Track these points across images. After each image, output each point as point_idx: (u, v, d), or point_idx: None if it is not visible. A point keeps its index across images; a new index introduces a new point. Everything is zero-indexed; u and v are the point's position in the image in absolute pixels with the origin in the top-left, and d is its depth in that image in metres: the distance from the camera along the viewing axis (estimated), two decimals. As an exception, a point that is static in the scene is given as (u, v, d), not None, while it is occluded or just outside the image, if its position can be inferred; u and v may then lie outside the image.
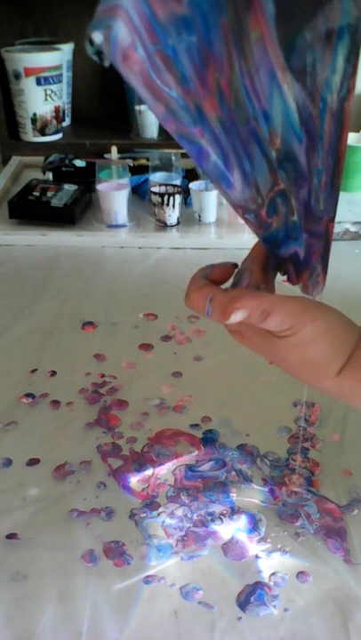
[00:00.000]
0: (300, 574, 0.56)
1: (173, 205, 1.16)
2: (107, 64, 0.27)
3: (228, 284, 0.45)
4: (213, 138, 0.34)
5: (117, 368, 0.82)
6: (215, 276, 0.44)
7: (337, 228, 1.12)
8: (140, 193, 1.28)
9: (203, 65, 0.31)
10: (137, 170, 1.31)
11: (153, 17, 0.28)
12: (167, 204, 1.16)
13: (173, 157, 1.24)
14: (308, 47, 0.33)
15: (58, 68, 1.49)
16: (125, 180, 1.18)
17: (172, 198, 1.15)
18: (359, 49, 0.33)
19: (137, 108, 1.51)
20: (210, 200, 1.17)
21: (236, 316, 0.40)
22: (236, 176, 0.37)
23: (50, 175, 1.32)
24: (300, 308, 0.41)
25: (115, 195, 1.16)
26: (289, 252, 0.43)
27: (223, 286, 0.44)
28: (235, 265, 0.45)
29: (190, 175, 1.28)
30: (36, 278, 1.05)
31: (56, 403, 0.76)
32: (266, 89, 0.34)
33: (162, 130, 1.53)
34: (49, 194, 1.20)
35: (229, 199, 0.40)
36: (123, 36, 0.27)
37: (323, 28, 0.32)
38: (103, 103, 1.66)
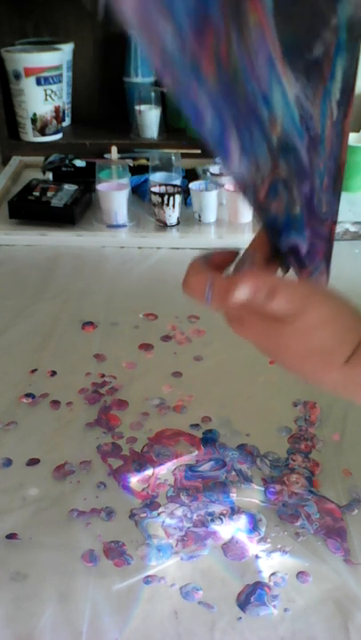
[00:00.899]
0: (300, 574, 0.56)
1: (173, 205, 1.16)
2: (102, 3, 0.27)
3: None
4: (210, 101, 0.32)
5: (117, 368, 0.82)
6: (216, 263, 0.42)
7: (337, 228, 1.12)
8: (140, 193, 1.28)
9: (199, 26, 0.30)
10: (137, 170, 1.31)
11: None
12: (167, 204, 1.15)
13: (173, 157, 1.23)
14: (306, 50, 0.33)
15: (58, 68, 1.49)
16: (125, 180, 1.18)
17: (172, 198, 1.15)
18: (358, 66, 0.33)
19: (137, 108, 1.51)
20: (210, 200, 1.17)
21: (240, 293, 0.38)
22: (233, 148, 0.35)
23: (50, 175, 1.32)
24: (306, 291, 0.39)
25: (115, 195, 1.16)
26: (290, 242, 0.42)
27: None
28: (236, 252, 0.43)
29: (190, 175, 1.28)
30: (36, 278, 1.05)
31: (56, 403, 0.76)
32: (265, 75, 0.33)
33: (162, 130, 1.53)
34: (49, 194, 1.20)
35: (228, 172, 0.38)
36: None
37: (321, 43, 0.32)
38: (103, 103, 1.66)
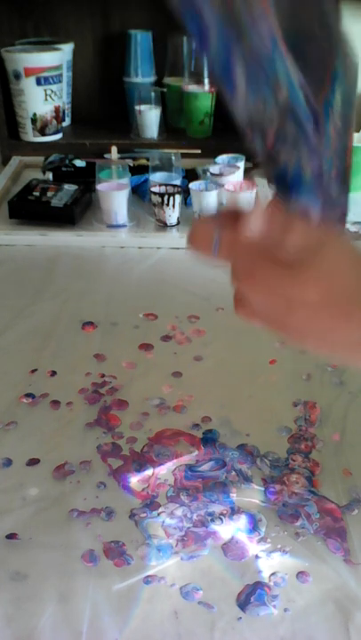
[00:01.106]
0: (300, 574, 0.56)
1: (173, 205, 1.16)
2: None
3: None
4: (215, 21, 0.31)
5: (117, 368, 0.82)
6: (222, 221, 0.39)
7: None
8: (140, 193, 1.28)
9: None
10: (137, 170, 1.31)
11: None
12: (167, 204, 1.15)
13: (173, 157, 1.23)
14: (307, 47, 0.33)
15: (58, 68, 1.49)
16: (125, 180, 1.18)
17: (172, 198, 1.15)
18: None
19: (137, 108, 1.51)
20: (210, 200, 1.17)
21: (256, 221, 0.35)
22: (239, 78, 0.33)
23: (50, 175, 1.32)
24: (323, 231, 0.37)
25: (115, 195, 1.16)
26: (301, 203, 0.39)
27: None
28: (242, 211, 0.40)
29: (190, 175, 1.28)
30: (36, 278, 1.05)
31: (56, 403, 0.76)
32: (269, 46, 0.32)
33: (162, 130, 1.53)
34: (49, 194, 1.20)
35: (235, 108, 0.36)
36: None
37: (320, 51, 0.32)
38: (103, 103, 1.66)
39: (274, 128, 0.35)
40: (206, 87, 1.47)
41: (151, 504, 0.62)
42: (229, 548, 0.58)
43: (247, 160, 1.33)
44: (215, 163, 1.30)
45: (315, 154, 0.36)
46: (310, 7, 0.34)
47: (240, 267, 0.38)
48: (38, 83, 1.47)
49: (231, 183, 1.20)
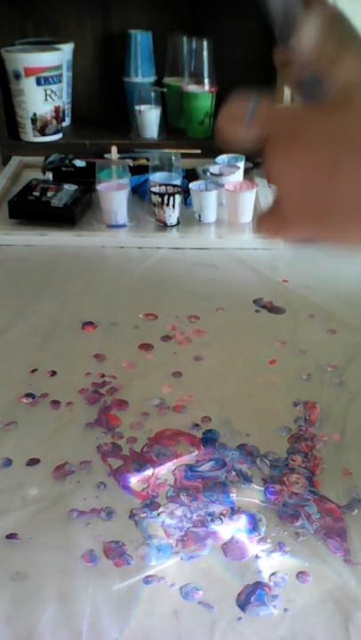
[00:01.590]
0: (300, 574, 0.56)
1: (173, 205, 1.16)
2: None
3: None
4: None
5: (117, 368, 0.82)
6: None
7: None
8: (140, 193, 1.28)
9: None
10: (137, 170, 1.31)
11: None
12: (167, 204, 1.15)
13: (173, 157, 1.23)
14: None
15: (58, 68, 1.49)
16: (125, 180, 1.18)
17: (172, 198, 1.15)
18: None
19: (137, 107, 1.51)
20: (210, 200, 1.17)
21: (309, 36, 0.34)
22: None
23: (50, 175, 1.32)
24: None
25: (115, 195, 1.16)
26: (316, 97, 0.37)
27: None
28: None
29: (190, 175, 1.28)
30: (36, 278, 1.05)
31: (56, 403, 0.76)
32: None
33: (162, 130, 1.53)
34: (49, 194, 1.20)
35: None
36: None
37: None
38: (103, 103, 1.66)
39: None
40: (206, 87, 1.47)
41: (151, 504, 0.62)
42: (229, 547, 0.58)
43: (247, 160, 1.33)
44: (215, 163, 1.30)
45: None
46: None
47: (279, 131, 0.35)
48: (38, 83, 1.47)
49: (231, 183, 1.20)
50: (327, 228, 0.36)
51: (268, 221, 0.39)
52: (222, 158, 1.32)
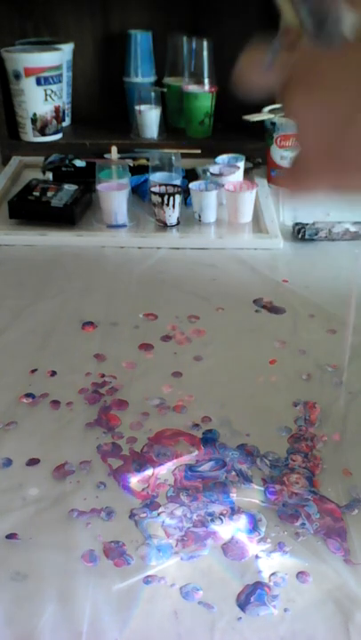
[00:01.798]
0: (300, 574, 0.56)
1: (173, 205, 1.16)
2: None
3: None
4: None
5: (117, 368, 0.82)
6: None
7: (337, 228, 1.12)
8: (140, 193, 1.28)
9: None
10: (137, 170, 1.31)
11: None
12: (167, 204, 1.15)
13: (173, 157, 1.23)
14: None
15: (58, 68, 1.49)
16: (125, 180, 1.18)
17: (172, 198, 1.15)
18: None
19: (137, 107, 1.51)
20: (210, 200, 1.17)
21: None
22: None
23: (50, 175, 1.32)
24: None
25: (115, 195, 1.16)
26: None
27: None
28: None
29: (190, 175, 1.28)
30: (35, 278, 1.05)
31: (56, 403, 0.76)
32: None
33: (162, 130, 1.53)
34: (49, 194, 1.20)
35: None
36: None
37: None
38: (103, 103, 1.66)
39: None
40: (206, 87, 1.47)
41: (151, 504, 0.62)
42: (229, 547, 0.58)
43: (247, 160, 1.33)
44: (215, 163, 1.30)
45: None
46: None
47: (299, 73, 0.34)
48: (38, 83, 1.47)
49: (231, 183, 1.20)
50: (349, 176, 0.35)
51: (289, 176, 0.38)
52: (222, 158, 1.32)
